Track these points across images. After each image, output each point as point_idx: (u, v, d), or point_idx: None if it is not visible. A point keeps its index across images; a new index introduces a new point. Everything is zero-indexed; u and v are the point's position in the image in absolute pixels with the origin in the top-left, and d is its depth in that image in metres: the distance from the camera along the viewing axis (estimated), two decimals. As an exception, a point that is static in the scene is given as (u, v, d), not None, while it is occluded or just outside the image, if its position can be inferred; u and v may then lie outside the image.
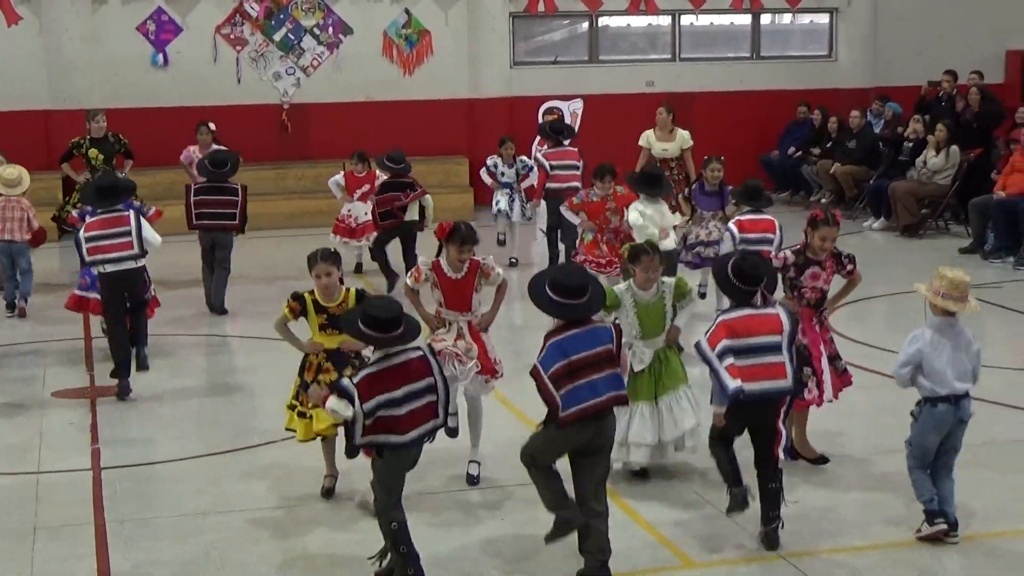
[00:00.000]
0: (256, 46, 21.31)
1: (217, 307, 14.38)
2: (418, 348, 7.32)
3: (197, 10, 21.00)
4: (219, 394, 11.80)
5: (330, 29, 21.53)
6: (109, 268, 11.05)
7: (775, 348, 7.71)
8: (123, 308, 11.34)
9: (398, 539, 7.22)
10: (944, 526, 7.84)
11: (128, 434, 10.44)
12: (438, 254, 9.00)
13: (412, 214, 15.01)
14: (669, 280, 9.04)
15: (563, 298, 7.36)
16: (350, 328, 7.39)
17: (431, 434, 7.32)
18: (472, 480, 9.06)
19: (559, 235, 15.74)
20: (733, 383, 7.60)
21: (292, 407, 8.79)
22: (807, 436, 9.31)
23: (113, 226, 11.05)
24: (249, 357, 12.92)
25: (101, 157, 16.05)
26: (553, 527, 7.45)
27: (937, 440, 7.85)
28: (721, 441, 7.95)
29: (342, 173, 16.28)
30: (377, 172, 15.74)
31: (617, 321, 8.54)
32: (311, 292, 8.71)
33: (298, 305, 8.69)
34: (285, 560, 7.90)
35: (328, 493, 8.81)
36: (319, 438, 8.77)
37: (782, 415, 7.87)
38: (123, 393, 11.21)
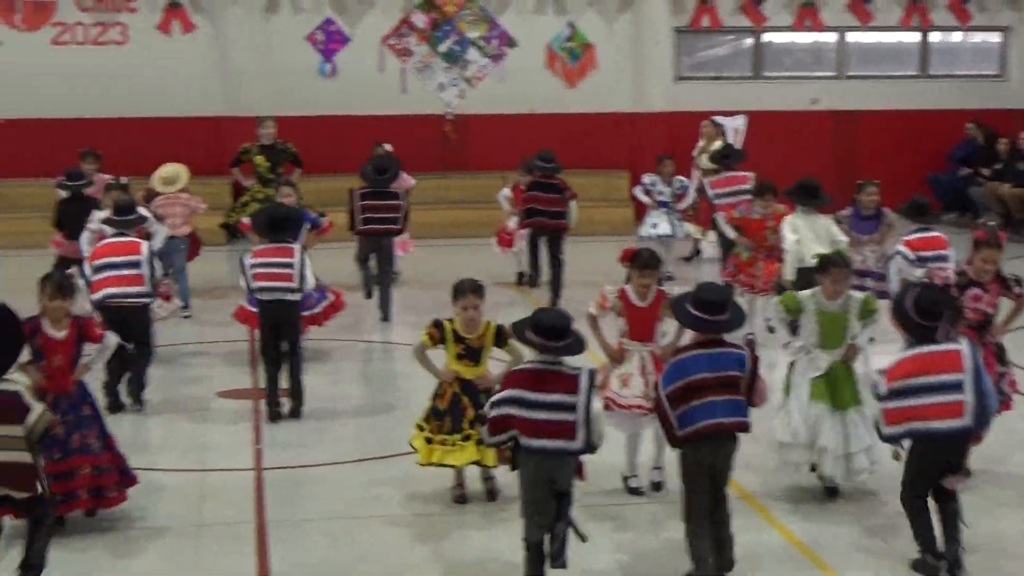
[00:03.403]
0: (421, 57, 21.60)
1: (384, 313, 14.62)
2: (577, 368, 7.32)
3: (365, 21, 21.37)
4: (376, 400, 12.02)
5: (495, 41, 21.73)
6: (266, 296, 11.15)
7: (954, 386, 7.42)
8: (276, 339, 11.20)
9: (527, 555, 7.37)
10: None
11: (287, 437, 10.67)
12: (626, 281, 8.97)
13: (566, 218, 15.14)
14: (858, 295, 8.99)
15: (704, 313, 7.41)
16: (519, 333, 7.48)
17: (566, 455, 7.24)
18: (657, 487, 9.11)
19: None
20: (886, 429, 7.54)
21: (420, 428, 8.88)
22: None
23: (279, 256, 11.17)
24: (407, 364, 12.98)
25: (267, 164, 16.31)
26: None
27: None
28: (917, 498, 7.67)
29: (510, 187, 16.36)
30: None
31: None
32: (451, 320, 8.77)
33: (437, 333, 8.76)
34: (438, 566, 8.00)
35: (460, 499, 8.91)
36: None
37: (967, 452, 7.67)
38: (273, 418, 11.14)
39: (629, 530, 8.51)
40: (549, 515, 7.24)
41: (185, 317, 14.59)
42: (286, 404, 11.10)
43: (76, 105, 20.49)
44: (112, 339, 8.86)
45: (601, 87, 21.88)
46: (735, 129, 21.30)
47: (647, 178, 16.60)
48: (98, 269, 11.15)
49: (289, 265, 11.07)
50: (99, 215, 12.36)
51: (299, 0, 21.17)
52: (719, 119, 20.68)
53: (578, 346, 7.35)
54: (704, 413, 7.25)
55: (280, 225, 11.38)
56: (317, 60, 21.34)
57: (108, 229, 11.91)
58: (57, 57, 20.60)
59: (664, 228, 16.29)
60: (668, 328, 9.02)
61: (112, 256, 11.23)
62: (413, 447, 8.90)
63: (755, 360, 7.44)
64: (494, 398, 7.36)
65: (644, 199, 16.61)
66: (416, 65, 21.63)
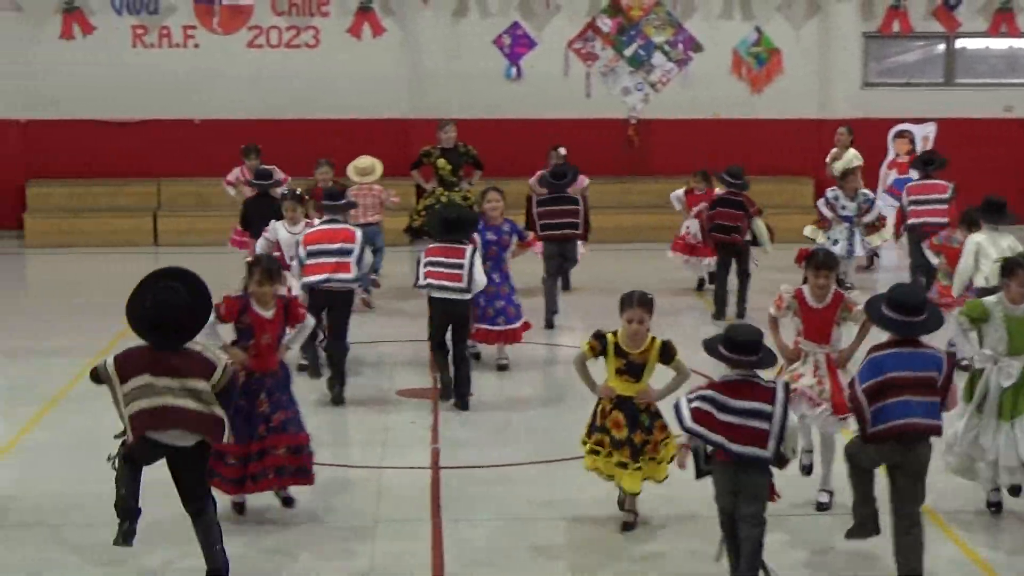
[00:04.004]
0: (606, 61, 21.65)
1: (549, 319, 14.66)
2: (773, 381, 7.47)
3: (551, 25, 21.50)
4: (551, 403, 12.09)
5: (680, 46, 21.67)
6: (437, 294, 11.43)
7: None
8: (444, 337, 11.61)
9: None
10: None
11: (464, 436, 10.82)
12: (804, 282, 8.90)
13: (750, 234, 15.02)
14: None
15: (899, 315, 7.37)
16: (710, 349, 7.52)
17: (758, 461, 7.30)
18: (822, 507, 8.99)
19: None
20: None
21: (584, 443, 8.70)
22: None
23: (451, 256, 11.42)
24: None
25: (449, 167, 16.44)
26: (852, 526, 7.79)
27: None
28: None
29: (684, 189, 16.38)
30: (716, 191, 15.77)
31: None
32: (614, 333, 8.43)
33: (599, 345, 8.43)
34: (613, 569, 8.05)
35: (628, 527, 8.61)
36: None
37: None
38: (463, 406, 11.56)
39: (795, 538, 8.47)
40: (730, 534, 7.41)
41: (373, 284, 15.41)
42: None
43: (268, 107, 21.05)
44: (310, 320, 9.14)
45: (786, 93, 21.67)
46: (924, 137, 20.90)
47: (831, 192, 16.32)
48: (311, 254, 11.47)
49: (459, 266, 11.33)
50: (277, 225, 12.45)
51: (487, 4, 21.41)
52: (908, 126, 20.31)
53: (770, 360, 7.45)
54: (900, 411, 7.25)
55: (452, 226, 11.56)
56: (503, 64, 21.54)
57: (283, 235, 12.22)
58: (251, 60, 21.19)
59: (842, 247, 15.88)
60: (847, 332, 8.95)
61: (326, 243, 11.54)
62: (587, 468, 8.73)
63: (951, 363, 7.41)
64: (692, 393, 7.44)
65: (826, 212, 16.27)
66: (601, 69, 21.69)
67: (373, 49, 21.22)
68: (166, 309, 7.32)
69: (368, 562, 8.21)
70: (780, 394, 7.31)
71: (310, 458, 8.82)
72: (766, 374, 7.55)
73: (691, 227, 16.06)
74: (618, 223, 19.98)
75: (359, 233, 11.70)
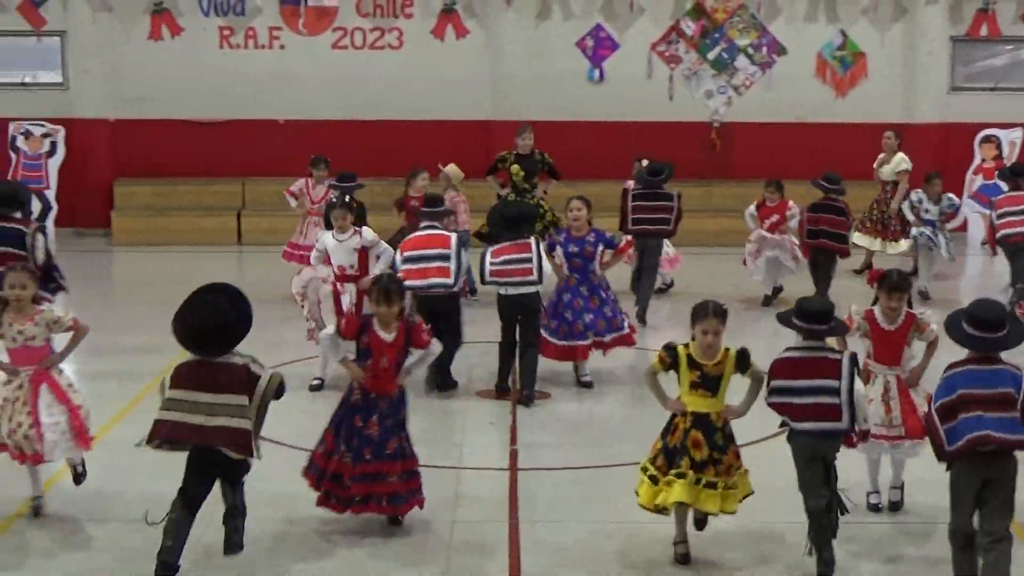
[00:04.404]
0: (690, 64, 21.59)
1: (639, 315, 14.76)
2: (840, 352, 7.86)
3: (634, 27, 21.47)
4: (632, 404, 12.05)
5: (764, 49, 21.56)
6: (508, 291, 11.66)
7: None
8: (513, 333, 11.90)
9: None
10: None
11: (542, 438, 10.84)
12: (874, 303, 8.80)
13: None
14: None
15: (977, 331, 7.28)
16: (784, 321, 7.93)
17: (833, 435, 7.73)
18: (894, 506, 9.05)
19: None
20: None
21: (644, 469, 8.17)
22: None
23: (518, 251, 11.58)
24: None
25: (522, 173, 16.31)
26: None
27: None
28: None
29: (755, 204, 16.12)
30: (790, 203, 15.73)
31: None
32: (686, 346, 8.05)
33: (669, 358, 8.04)
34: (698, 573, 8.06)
35: (684, 559, 8.18)
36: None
37: None
38: (527, 401, 11.71)
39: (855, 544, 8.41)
40: (820, 487, 7.72)
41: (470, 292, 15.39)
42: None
43: (351, 107, 21.22)
44: (437, 346, 8.85)
45: (871, 97, 21.48)
46: (1011, 142, 20.64)
47: (915, 195, 16.25)
48: (409, 260, 11.65)
49: (528, 260, 11.52)
50: (324, 235, 12.20)
51: (570, 6, 21.42)
52: (995, 131, 20.07)
53: (842, 328, 7.90)
54: (972, 427, 7.14)
55: (514, 223, 11.78)
56: (586, 66, 21.54)
57: (331, 243, 11.99)
58: (335, 61, 21.35)
59: (945, 250, 15.94)
60: (916, 352, 8.83)
61: (424, 248, 11.73)
62: (637, 493, 8.22)
63: None
64: (768, 390, 7.81)
65: (909, 216, 16.25)
66: (684, 72, 21.63)
67: (456, 51, 21.32)
68: (206, 321, 7.58)
69: (445, 563, 8.25)
70: (846, 366, 7.70)
71: (419, 478, 8.71)
72: None
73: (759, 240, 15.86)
74: (700, 227, 19.85)
75: (455, 238, 11.88)
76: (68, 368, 9.10)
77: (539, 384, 11.93)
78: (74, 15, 21.08)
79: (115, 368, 12.69)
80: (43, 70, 21.62)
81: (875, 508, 9.01)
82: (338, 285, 11.89)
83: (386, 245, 12.08)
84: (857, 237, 16.93)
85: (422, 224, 12.22)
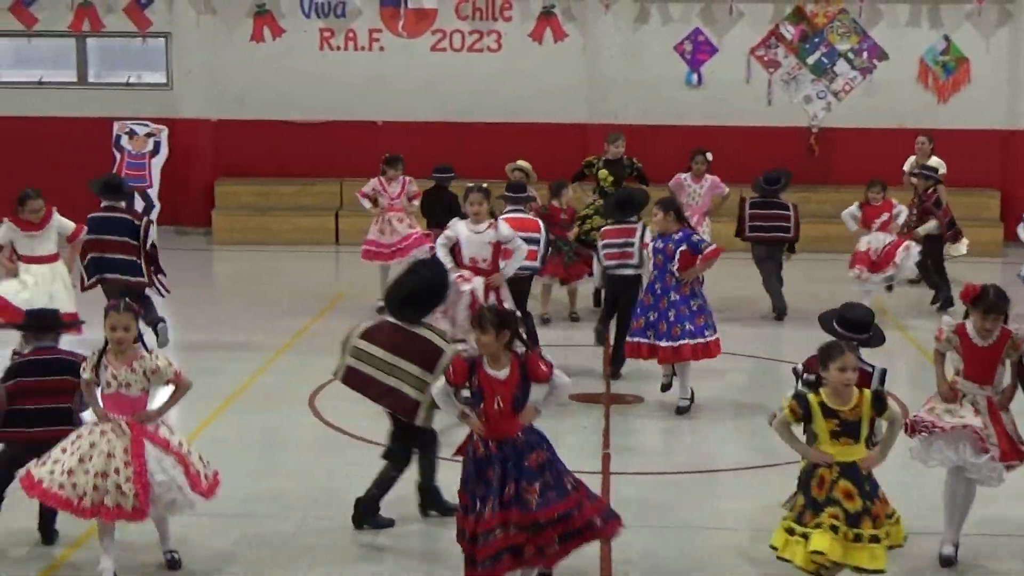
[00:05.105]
0: (789, 69, 21.44)
1: (779, 309, 15.42)
2: (872, 366, 7.92)
3: (733, 32, 21.36)
4: (727, 411, 11.99)
5: (864, 54, 21.35)
6: (616, 272, 12.48)
7: None
8: (612, 313, 12.72)
9: None
10: None
11: (634, 442, 10.84)
12: (965, 317, 8.21)
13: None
14: None
15: None
16: (825, 325, 7.99)
17: None
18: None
19: None
20: None
21: (790, 531, 7.32)
22: None
23: (623, 236, 12.43)
24: (770, 377, 13.11)
25: (611, 179, 16.10)
26: None
27: None
28: None
29: (857, 204, 15.93)
30: (894, 201, 15.59)
31: None
32: (816, 393, 7.31)
33: (800, 410, 7.27)
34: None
35: None
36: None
37: None
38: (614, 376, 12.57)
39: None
40: None
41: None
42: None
43: (448, 110, 21.34)
44: (563, 378, 7.66)
45: (974, 102, 21.17)
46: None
47: None
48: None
49: (630, 244, 12.32)
50: (458, 224, 11.88)
51: (669, 10, 21.37)
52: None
53: (878, 340, 8.04)
54: None
55: (623, 205, 12.64)
56: (683, 70, 21.47)
57: (464, 232, 11.75)
58: (434, 63, 21.48)
59: None
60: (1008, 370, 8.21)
61: (518, 231, 11.95)
62: (782, 559, 7.40)
63: None
64: (798, 390, 7.77)
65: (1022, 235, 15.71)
66: (783, 77, 21.49)
67: (554, 54, 21.35)
68: (402, 287, 8.75)
69: (536, 565, 8.28)
70: (875, 382, 7.79)
71: (596, 507, 7.65)
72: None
73: (872, 242, 15.59)
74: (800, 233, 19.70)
75: (543, 224, 12.60)
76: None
77: (631, 387, 11.91)
78: (179, 17, 21.42)
79: (212, 365, 12.86)
80: (148, 70, 22.02)
81: (948, 561, 8.20)
82: (464, 276, 11.45)
83: (521, 242, 11.76)
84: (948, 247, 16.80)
85: (507, 208, 12.76)
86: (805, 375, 8.00)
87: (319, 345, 13.66)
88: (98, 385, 7.82)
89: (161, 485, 7.71)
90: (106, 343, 7.84)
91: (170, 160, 20.52)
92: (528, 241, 11.96)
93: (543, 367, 7.48)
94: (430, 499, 8.89)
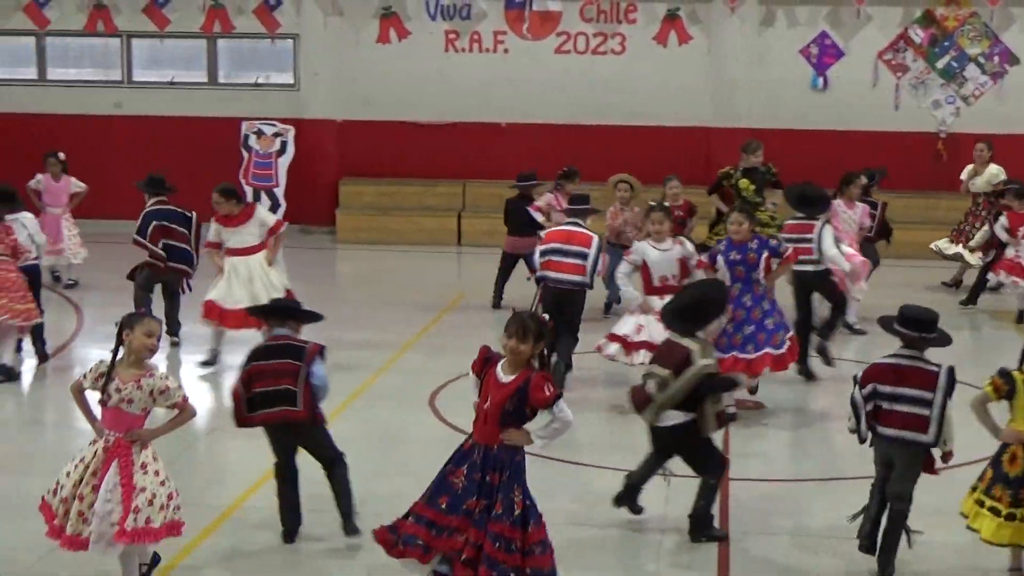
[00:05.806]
0: (917, 73, 21.13)
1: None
2: (938, 365, 7.72)
3: (860, 35, 21.10)
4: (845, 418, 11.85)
5: (996, 58, 20.98)
6: (797, 268, 12.45)
7: None
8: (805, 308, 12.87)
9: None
10: None
11: (753, 448, 10.80)
12: None
13: None
14: None
15: None
16: (886, 325, 7.93)
17: (917, 447, 7.70)
18: None
19: None
20: None
21: (980, 502, 7.67)
22: None
23: (804, 231, 12.67)
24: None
25: (752, 187, 15.98)
26: None
27: None
28: None
29: (1003, 215, 15.62)
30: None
31: None
32: (1021, 372, 7.52)
33: (1005, 386, 7.47)
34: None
35: None
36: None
37: None
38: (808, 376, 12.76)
39: None
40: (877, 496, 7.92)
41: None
42: None
43: (572, 112, 21.37)
44: (566, 413, 7.12)
45: (1109, 109, 20.72)
46: None
47: None
48: (547, 252, 12.23)
49: (808, 240, 12.53)
50: (642, 245, 11.92)
51: (795, 14, 21.18)
52: None
53: (943, 340, 7.79)
54: None
55: (806, 201, 12.91)
56: (809, 74, 21.27)
57: (652, 254, 11.86)
58: (558, 65, 21.52)
59: None
60: None
61: (564, 243, 12.23)
62: (963, 514, 7.83)
63: None
64: (860, 392, 7.85)
65: None
66: (911, 81, 21.19)
67: (678, 57, 21.28)
68: (691, 298, 9.03)
69: (655, 570, 8.31)
70: (943, 380, 7.60)
71: (521, 558, 7.01)
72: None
73: (1020, 250, 15.30)
74: (921, 239, 19.40)
75: (596, 239, 12.26)
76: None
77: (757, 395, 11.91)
78: (307, 19, 21.72)
79: (335, 362, 13.01)
80: (276, 71, 22.36)
81: None
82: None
83: (698, 256, 11.88)
84: (944, 244, 17.14)
85: (566, 220, 12.73)
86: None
87: (440, 345, 13.82)
88: (108, 396, 7.39)
89: (97, 514, 7.28)
90: (115, 354, 7.43)
91: (296, 160, 20.80)
92: (577, 255, 12.06)
93: (545, 391, 6.99)
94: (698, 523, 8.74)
